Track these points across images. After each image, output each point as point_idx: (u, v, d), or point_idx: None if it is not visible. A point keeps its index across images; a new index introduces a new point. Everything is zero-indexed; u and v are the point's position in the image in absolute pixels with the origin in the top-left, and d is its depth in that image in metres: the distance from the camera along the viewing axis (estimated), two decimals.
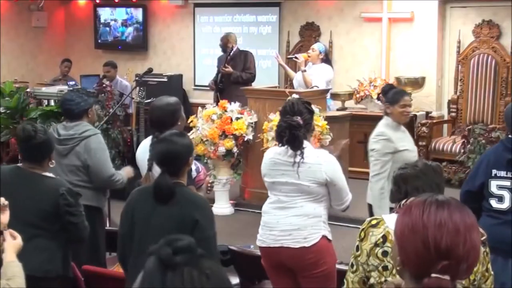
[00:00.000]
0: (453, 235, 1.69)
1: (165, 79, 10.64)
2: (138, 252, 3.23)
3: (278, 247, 3.92)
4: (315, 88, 7.80)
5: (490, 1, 8.83)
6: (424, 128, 8.50)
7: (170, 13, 11.45)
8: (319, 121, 6.81)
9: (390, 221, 2.64)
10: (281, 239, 3.91)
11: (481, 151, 7.30)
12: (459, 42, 8.99)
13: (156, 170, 3.50)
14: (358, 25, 9.72)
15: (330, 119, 7.14)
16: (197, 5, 11.06)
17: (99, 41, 12.16)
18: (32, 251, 3.47)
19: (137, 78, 8.46)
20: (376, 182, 4.88)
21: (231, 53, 8.83)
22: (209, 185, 4.39)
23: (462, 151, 8.02)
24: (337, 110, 8.67)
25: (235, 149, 7.38)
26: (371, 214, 4.80)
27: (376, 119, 8.45)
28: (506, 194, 3.94)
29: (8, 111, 7.69)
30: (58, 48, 12.34)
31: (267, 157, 4.06)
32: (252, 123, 7.46)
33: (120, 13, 11.91)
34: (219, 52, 9.23)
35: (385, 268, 2.61)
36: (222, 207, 7.42)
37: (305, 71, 8.04)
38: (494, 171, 3.97)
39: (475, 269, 2.47)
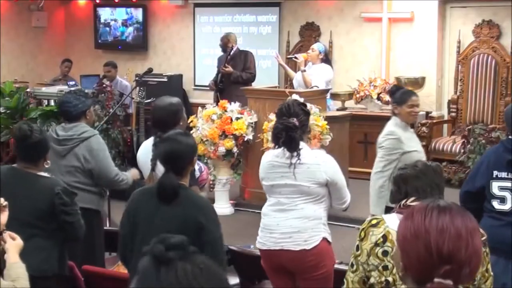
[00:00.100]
0: (455, 240, 1.69)
1: (165, 79, 10.62)
2: (140, 253, 3.22)
3: (278, 250, 3.91)
4: (315, 88, 7.79)
5: (490, 1, 8.82)
6: (424, 128, 8.49)
7: (170, 13, 11.44)
8: (319, 121, 6.81)
9: (390, 221, 2.65)
10: (281, 242, 3.90)
11: (481, 151, 7.29)
12: (459, 42, 8.98)
13: (160, 170, 3.50)
14: (358, 25, 9.71)
15: (330, 119, 7.13)
16: (197, 5, 11.05)
17: (99, 41, 12.14)
18: (29, 251, 3.47)
19: (137, 78, 8.46)
20: (377, 179, 4.88)
21: (231, 53, 8.82)
22: (211, 183, 4.39)
23: (462, 151, 8.01)
24: (337, 110, 8.65)
25: (235, 149, 7.38)
26: None
27: (376, 119, 8.61)
28: (508, 195, 3.94)
29: (8, 111, 7.67)
30: (58, 48, 12.33)
31: (264, 161, 4.05)
32: (252, 123, 7.46)
33: (120, 13, 11.90)
34: (219, 52, 9.22)
35: (385, 267, 2.62)
36: (222, 207, 7.40)
37: (304, 71, 8.03)
38: (495, 172, 3.97)
39: None
